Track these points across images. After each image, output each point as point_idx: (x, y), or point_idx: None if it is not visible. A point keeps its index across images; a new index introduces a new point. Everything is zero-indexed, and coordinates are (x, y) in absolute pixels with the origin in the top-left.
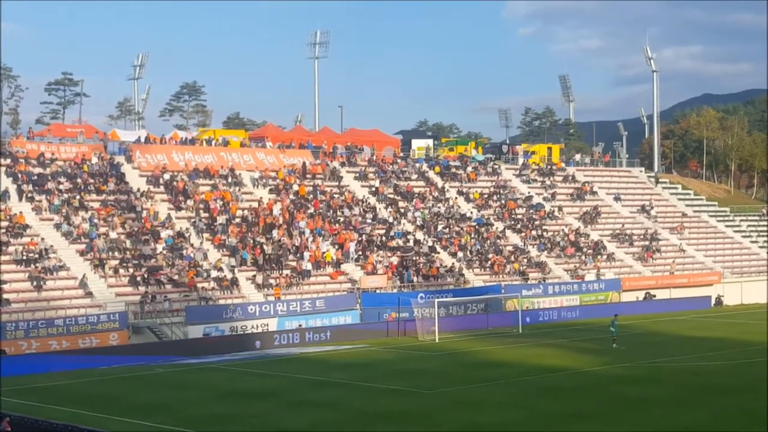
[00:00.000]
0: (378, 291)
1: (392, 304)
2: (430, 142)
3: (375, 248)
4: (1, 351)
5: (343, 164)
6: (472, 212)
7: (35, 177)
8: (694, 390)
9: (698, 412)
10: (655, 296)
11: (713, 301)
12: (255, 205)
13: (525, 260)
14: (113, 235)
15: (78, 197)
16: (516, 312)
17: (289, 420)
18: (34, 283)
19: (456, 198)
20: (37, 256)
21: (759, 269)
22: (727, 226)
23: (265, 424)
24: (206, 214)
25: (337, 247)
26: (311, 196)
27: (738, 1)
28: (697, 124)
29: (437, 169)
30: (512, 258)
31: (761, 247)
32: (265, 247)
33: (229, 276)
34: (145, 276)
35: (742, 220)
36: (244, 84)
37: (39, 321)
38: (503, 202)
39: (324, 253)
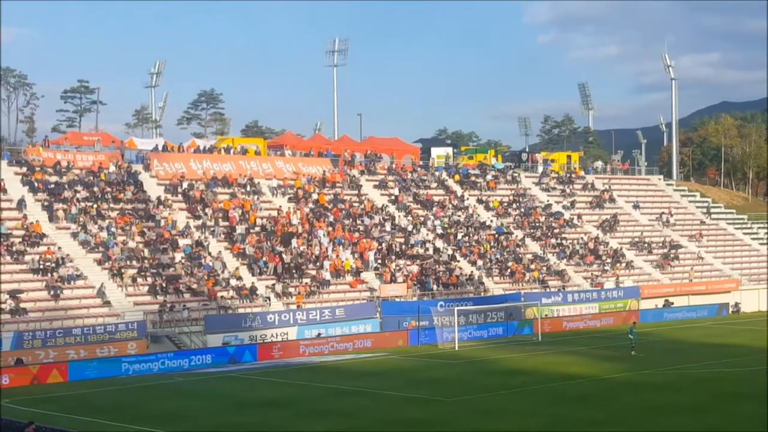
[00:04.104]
0: (397, 299)
1: (412, 313)
2: (449, 150)
3: (394, 257)
4: (18, 360)
5: (362, 173)
6: (491, 221)
7: (52, 185)
8: (713, 397)
9: (718, 419)
10: (673, 303)
11: (731, 308)
12: (274, 213)
13: (544, 268)
14: (131, 244)
15: (95, 206)
16: (536, 320)
17: (308, 428)
18: (52, 293)
19: (476, 206)
20: (54, 265)
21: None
22: (744, 233)
23: None
24: (225, 223)
25: (356, 255)
26: (330, 204)
27: (756, 4)
28: (716, 132)
29: (457, 177)
30: (532, 266)
31: None
32: (284, 256)
33: (249, 285)
34: (164, 285)
35: (759, 228)
36: (262, 92)
37: (56, 330)
38: (523, 210)
39: (343, 261)
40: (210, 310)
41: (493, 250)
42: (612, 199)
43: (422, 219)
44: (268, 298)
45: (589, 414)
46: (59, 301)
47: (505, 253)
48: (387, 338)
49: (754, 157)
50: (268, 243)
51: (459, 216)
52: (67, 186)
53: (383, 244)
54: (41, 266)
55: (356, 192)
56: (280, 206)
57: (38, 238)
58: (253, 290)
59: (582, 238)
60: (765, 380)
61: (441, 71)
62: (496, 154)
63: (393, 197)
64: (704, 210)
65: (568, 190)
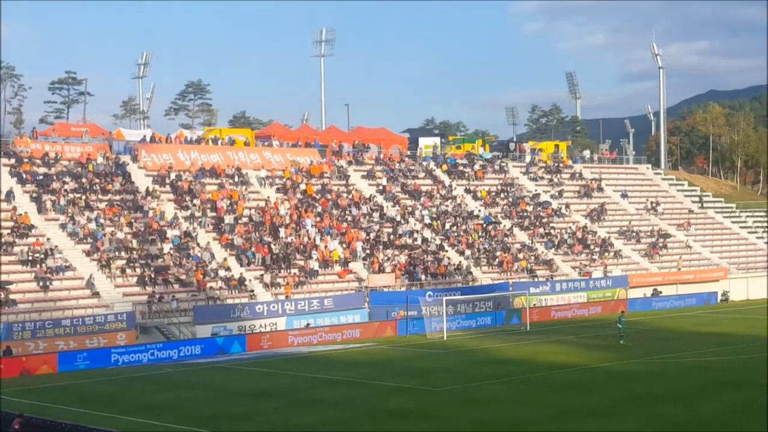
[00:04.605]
0: (386, 289)
1: (400, 303)
2: (437, 140)
3: (382, 247)
4: (7, 350)
5: (350, 163)
6: (479, 210)
7: (40, 177)
8: (702, 385)
9: (706, 407)
10: (661, 292)
11: (719, 297)
12: (262, 204)
13: (532, 258)
14: (120, 235)
15: (83, 197)
16: (524, 309)
17: (297, 418)
18: (41, 284)
19: (463, 196)
20: (42, 256)
21: (765, 265)
22: (733, 222)
23: (274, 423)
24: (213, 214)
25: (344, 245)
26: (318, 195)
27: None
28: (704, 121)
29: (444, 167)
30: (520, 256)
31: (767, 242)
32: (272, 246)
33: (237, 275)
34: (153, 276)
35: (748, 216)
36: (249, 82)
37: (46, 321)
38: (511, 199)
39: (332, 252)
40: (199, 301)
41: (481, 239)
42: (600, 189)
43: (410, 209)
44: (252, 291)
45: (578, 403)
46: (48, 293)
47: (493, 243)
48: (375, 328)
49: (742, 146)
50: (257, 233)
51: (447, 206)
52: (55, 177)
53: (371, 234)
54: (30, 257)
55: (344, 182)
56: (268, 197)
57: (27, 230)
58: (241, 281)
59: (570, 227)
60: (754, 368)
61: (428, 61)
62: (484, 144)
63: (381, 187)
64: (696, 200)
65: (555, 180)
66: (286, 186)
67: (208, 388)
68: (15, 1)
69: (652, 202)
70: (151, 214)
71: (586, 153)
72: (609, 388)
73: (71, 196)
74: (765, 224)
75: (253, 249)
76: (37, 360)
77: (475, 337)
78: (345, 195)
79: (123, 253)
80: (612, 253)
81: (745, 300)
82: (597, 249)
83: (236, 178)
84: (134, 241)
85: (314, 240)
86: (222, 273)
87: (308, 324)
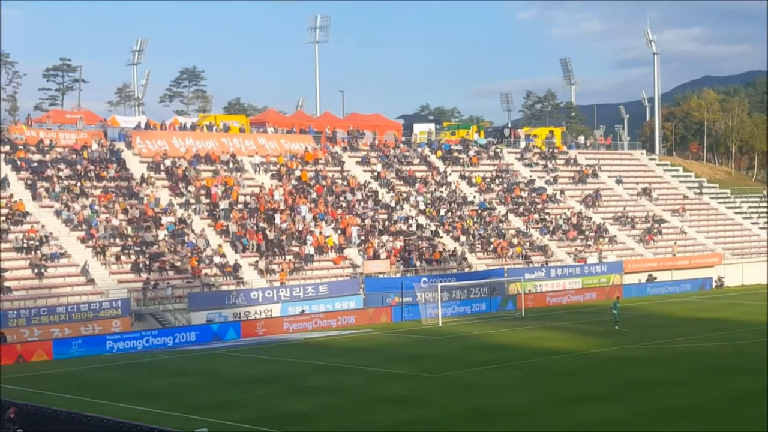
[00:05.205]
0: (381, 276)
1: (395, 289)
2: (431, 126)
3: (377, 233)
4: (3, 337)
5: (344, 149)
6: (474, 196)
7: (35, 164)
8: (697, 371)
9: (702, 393)
10: (656, 278)
11: (714, 283)
12: (257, 190)
13: (527, 244)
14: (114, 221)
15: (78, 184)
16: (519, 295)
17: (292, 405)
18: (35, 271)
19: (458, 182)
20: (37, 243)
21: (759, 250)
22: (727, 207)
23: (269, 409)
24: (208, 200)
25: (339, 232)
26: (313, 181)
27: None
28: (698, 106)
29: (439, 153)
30: (515, 242)
31: (762, 228)
32: (267, 232)
33: (232, 262)
34: (147, 263)
35: (742, 202)
36: (244, 69)
37: (41, 308)
38: (506, 185)
39: (327, 238)
40: (194, 288)
41: (476, 225)
42: (595, 174)
43: (405, 195)
44: (242, 278)
45: (573, 388)
46: (43, 280)
47: (488, 229)
48: (370, 314)
49: (736, 131)
50: (251, 220)
51: (442, 192)
52: (50, 164)
53: (366, 221)
54: (25, 245)
55: (339, 168)
56: (263, 183)
57: (21, 217)
58: (236, 267)
59: (565, 213)
60: (750, 354)
61: (423, 48)
62: (479, 130)
63: (376, 173)
64: (692, 185)
65: (550, 166)
66: (281, 172)
67: (202, 375)
68: None
69: (645, 188)
70: (145, 200)
71: (581, 139)
72: (604, 373)
73: (66, 183)
74: (760, 210)
75: (247, 235)
76: (32, 347)
77: (470, 323)
78: (340, 181)
79: (118, 240)
80: (607, 239)
81: (740, 285)
82: (592, 235)
83: (231, 165)
84: (129, 228)
85: (309, 226)
86: (217, 260)
87: (303, 310)
